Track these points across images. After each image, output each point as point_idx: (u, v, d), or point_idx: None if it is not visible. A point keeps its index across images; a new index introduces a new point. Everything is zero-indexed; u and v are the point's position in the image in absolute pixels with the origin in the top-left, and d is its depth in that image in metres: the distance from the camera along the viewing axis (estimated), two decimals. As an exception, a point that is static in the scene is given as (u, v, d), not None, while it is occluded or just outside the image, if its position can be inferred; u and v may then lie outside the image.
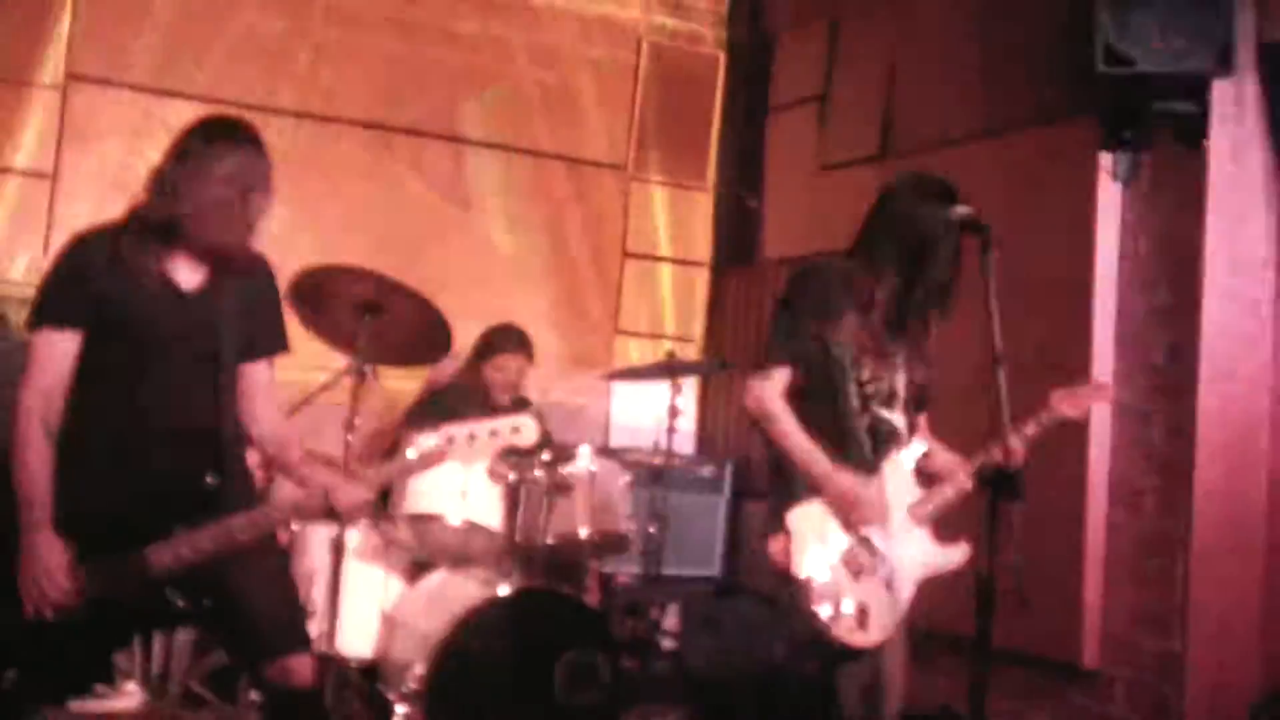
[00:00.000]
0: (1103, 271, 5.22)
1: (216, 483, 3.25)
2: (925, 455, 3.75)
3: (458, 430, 3.25)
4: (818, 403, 3.64)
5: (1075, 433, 4.71)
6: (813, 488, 3.60)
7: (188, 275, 3.33)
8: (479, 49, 7.23)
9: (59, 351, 3.22)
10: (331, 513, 3.38)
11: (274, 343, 3.53)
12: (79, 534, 3.11)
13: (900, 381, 3.76)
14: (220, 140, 3.29)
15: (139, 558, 3.14)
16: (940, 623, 3.81)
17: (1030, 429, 3.71)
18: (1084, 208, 5.26)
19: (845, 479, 3.58)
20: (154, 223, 3.26)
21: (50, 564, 3.07)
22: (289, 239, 5.87)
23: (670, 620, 6.44)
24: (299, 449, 3.50)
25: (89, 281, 3.23)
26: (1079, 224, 5.27)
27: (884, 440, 3.70)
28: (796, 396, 3.66)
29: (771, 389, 3.65)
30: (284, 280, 3.77)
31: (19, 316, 4.51)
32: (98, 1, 6.42)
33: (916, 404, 3.82)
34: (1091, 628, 5.10)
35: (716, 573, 6.78)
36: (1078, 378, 4.32)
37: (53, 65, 6.35)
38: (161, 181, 3.28)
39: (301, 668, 3.31)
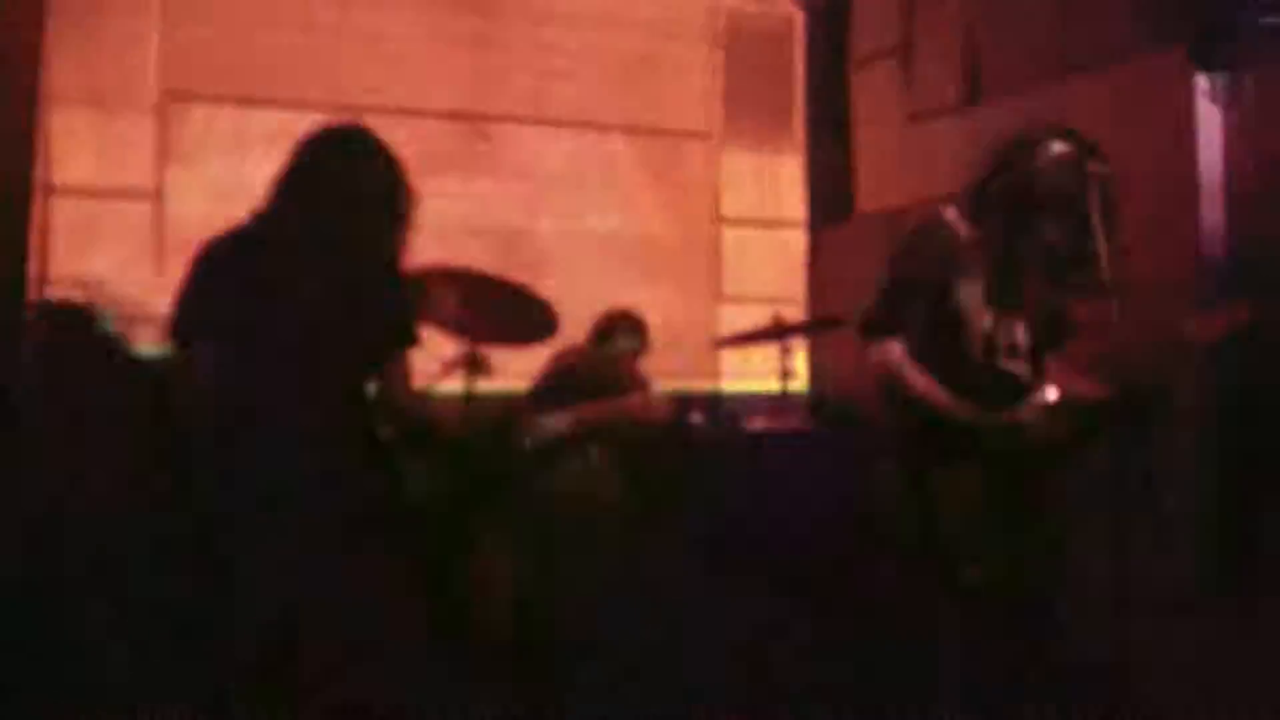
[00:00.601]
0: (1208, 195, 5.14)
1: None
2: (1054, 402, 3.73)
3: (588, 412, 3.30)
4: (939, 362, 3.62)
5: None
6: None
7: (314, 280, 3.40)
8: (558, 27, 7.29)
9: (201, 363, 3.30)
10: None
11: (403, 337, 3.59)
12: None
13: (1020, 332, 3.72)
14: (340, 148, 3.36)
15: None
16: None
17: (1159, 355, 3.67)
18: (1184, 136, 5.17)
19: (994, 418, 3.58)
20: (279, 229, 3.34)
21: None
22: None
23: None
24: None
25: (220, 291, 3.31)
26: (1180, 153, 5.18)
27: (1010, 392, 3.67)
28: (917, 358, 3.65)
29: (895, 351, 3.65)
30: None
31: (134, 335, 4.58)
32: (186, 18, 6.56)
33: (1046, 347, 3.80)
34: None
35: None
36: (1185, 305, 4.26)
37: (148, 85, 6.51)
38: (283, 189, 3.36)
39: None
